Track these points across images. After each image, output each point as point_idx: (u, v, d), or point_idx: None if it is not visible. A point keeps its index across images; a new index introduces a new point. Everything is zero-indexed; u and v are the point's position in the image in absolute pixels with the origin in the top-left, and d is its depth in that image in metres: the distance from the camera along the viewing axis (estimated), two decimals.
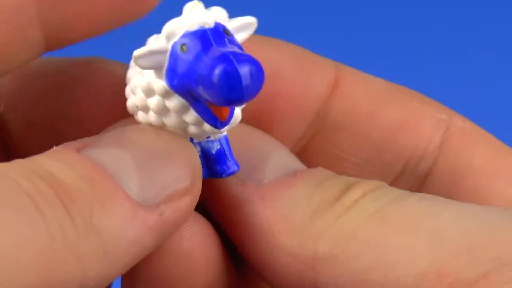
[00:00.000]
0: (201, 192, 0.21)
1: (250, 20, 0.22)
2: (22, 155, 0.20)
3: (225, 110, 0.21)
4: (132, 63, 0.22)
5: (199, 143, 0.23)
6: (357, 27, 0.72)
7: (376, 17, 0.74)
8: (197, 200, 0.21)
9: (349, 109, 0.25)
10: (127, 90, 0.23)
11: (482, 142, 0.25)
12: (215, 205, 0.23)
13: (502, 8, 0.74)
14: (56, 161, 0.19)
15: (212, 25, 0.21)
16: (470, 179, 0.24)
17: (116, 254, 0.19)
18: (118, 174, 0.20)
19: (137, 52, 0.21)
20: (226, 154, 0.23)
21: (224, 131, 0.23)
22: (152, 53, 0.21)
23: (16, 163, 0.19)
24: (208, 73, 0.20)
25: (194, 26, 0.21)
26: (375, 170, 0.25)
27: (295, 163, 0.23)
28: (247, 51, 0.21)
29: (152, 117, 0.22)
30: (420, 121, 0.24)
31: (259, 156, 0.23)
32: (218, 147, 0.23)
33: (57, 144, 0.21)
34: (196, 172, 0.21)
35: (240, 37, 0.21)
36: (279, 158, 0.23)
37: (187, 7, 0.21)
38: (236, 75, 0.19)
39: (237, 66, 0.19)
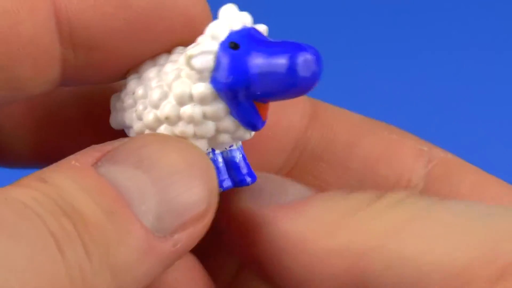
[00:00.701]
0: (215, 219, 0.21)
1: (264, 28, 0.22)
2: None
3: (267, 109, 0.21)
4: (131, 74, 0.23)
5: (221, 153, 0.22)
6: (353, 29, 0.72)
7: (372, 18, 0.74)
8: (209, 224, 0.21)
9: (328, 139, 0.25)
10: (128, 103, 0.22)
11: (466, 172, 0.25)
12: (238, 237, 0.22)
13: (502, 8, 0.74)
14: (78, 189, 0.19)
15: (250, 25, 0.21)
16: None
17: (129, 287, 0.19)
18: (137, 202, 0.19)
19: (191, 52, 0.21)
20: (247, 162, 0.23)
21: (249, 137, 0.22)
22: (205, 53, 0.21)
23: (43, 196, 0.19)
24: (286, 61, 0.20)
25: (238, 26, 0.21)
26: None
27: (312, 191, 0.23)
28: None
29: (181, 128, 0.21)
30: (401, 152, 0.24)
31: (277, 187, 0.23)
32: (240, 155, 0.23)
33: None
34: (212, 195, 0.21)
35: None
36: (298, 186, 0.23)
37: (225, 9, 0.21)
38: (315, 60, 0.20)
39: (313, 52, 0.20)
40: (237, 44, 0.21)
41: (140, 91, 0.22)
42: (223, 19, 0.21)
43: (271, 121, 0.24)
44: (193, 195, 0.20)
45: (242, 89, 0.21)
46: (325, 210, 0.21)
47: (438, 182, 0.25)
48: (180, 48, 0.23)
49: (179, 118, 0.21)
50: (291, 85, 0.20)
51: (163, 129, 0.22)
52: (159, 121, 0.22)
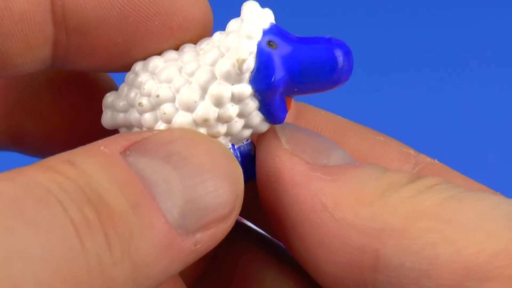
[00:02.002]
0: (259, 174, 0.22)
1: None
2: None
3: (290, 101, 0.22)
4: (143, 76, 0.22)
5: (239, 148, 0.23)
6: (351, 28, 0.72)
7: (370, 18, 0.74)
8: (232, 226, 0.21)
9: None
10: (147, 105, 0.22)
11: (452, 175, 0.25)
12: (272, 183, 0.22)
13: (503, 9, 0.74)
14: (106, 177, 0.19)
15: (274, 21, 0.22)
16: None
17: (145, 282, 0.19)
18: (163, 196, 0.19)
19: (242, 55, 0.21)
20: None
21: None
22: (252, 53, 0.21)
23: (68, 183, 0.18)
24: (328, 56, 0.21)
25: (267, 24, 0.21)
26: None
27: (354, 159, 0.23)
28: None
29: (216, 128, 0.21)
30: (387, 152, 0.24)
31: (322, 146, 0.22)
32: (254, 148, 0.23)
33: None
34: (238, 198, 0.21)
35: None
36: (342, 152, 0.23)
37: (249, 7, 0.21)
38: (350, 54, 0.21)
39: (347, 46, 0.21)
40: (274, 43, 0.21)
41: (160, 92, 0.21)
42: (252, 17, 0.21)
43: None
44: (220, 196, 0.20)
45: (283, 87, 0.21)
46: (359, 182, 0.21)
47: None
48: (190, 45, 0.22)
49: (215, 120, 0.21)
50: (331, 78, 0.21)
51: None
52: (194, 124, 0.21)
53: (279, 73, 0.21)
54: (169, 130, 0.21)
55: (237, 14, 0.22)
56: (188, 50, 0.22)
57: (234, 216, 0.21)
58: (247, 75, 0.21)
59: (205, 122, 0.21)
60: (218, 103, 0.21)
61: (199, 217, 0.20)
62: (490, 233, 0.19)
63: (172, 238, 0.19)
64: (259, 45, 0.21)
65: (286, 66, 0.21)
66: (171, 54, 0.22)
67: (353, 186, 0.21)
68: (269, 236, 0.26)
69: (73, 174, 0.18)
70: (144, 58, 0.22)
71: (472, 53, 0.72)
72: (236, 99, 0.21)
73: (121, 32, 0.22)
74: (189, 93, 0.21)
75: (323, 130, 0.25)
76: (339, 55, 0.21)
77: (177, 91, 0.21)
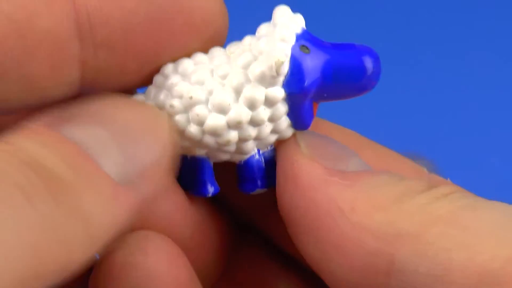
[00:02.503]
0: (278, 175, 0.22)
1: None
2: None
3: (316, 107, 0.22)
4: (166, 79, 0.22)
5: (263, 153, 0.23)
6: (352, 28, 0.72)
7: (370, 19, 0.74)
8: (170, 173, 0.21)
9: None
10: (179, 107, 0.22)
11: (467, 193, 0.25)
12: (290, 185, 0.22)
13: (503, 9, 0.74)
14: (41, 147, 0.19)
15: (304, 27, 0.22)
16: None
17: (99, 236, 0.19)
18: (99, 155, 0.20)
19: (280, 58, 0.21)
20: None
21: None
22: (287, 56, 0.21)
23: (6, 155, 0.19)
24: (360, 62, 0.21)
25: (299, 29, 0.21)
26: None
27: (369, 167, 0.23)
28: None
29: (247, 132, 0.22)
30: (401, 169, 0.24)
31: (341, 153, 0.23)
32: (276, 155, 0.23)
33: None
34: (169, 145, 0.21)
35: None
36: (358, 160, 0.23)
37: (281, 12, 0.22)
38: (379, 62, 0.22)
39: (376, 53, 0.22)
40: (307, 48, 0.21)
41: (193, 94, 0.22)
42: (285, 22, 0.21)
43: None
44: (151, 145, 0.21)
45: (315, 91, 0.21)
46: (376, 188, 0.21)
47: None
48: (219, 49, 0.22)
49: (248, 122, 0.21)
50: (361, 84, 0.22)
51: (228, 133, 0.22)
52: (227, 126, 0.21)
53: (311, 78, 0.21)
54: (94, 97, 0.21)
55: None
56: (219, 53, 0.22)
57: (169, 162, 0.21)
58: (281, 79, 0.21)
59: (238, 124, 0.21)
60: (252, 105, 0.21)
61: (137, 168, 0.20)
62: (504, 240, 0.19)
63: (116, 190, 0.20)
64: (292, 49, 0.21)
65: (321, 72, 0.21)
66: (201, 57, 0.22)
67: (370, 192, 0.21)
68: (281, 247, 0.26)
69: (8, 148, 0.19)
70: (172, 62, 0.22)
71: (475, 54, 0.72)
72: (269, 102, 0.21)
73: (148, 38, 0.22)
74: (223, 95, 0.21)
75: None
76: (368, 61, 0.21)
77: (210, 93, 0.21)
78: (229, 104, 0.21)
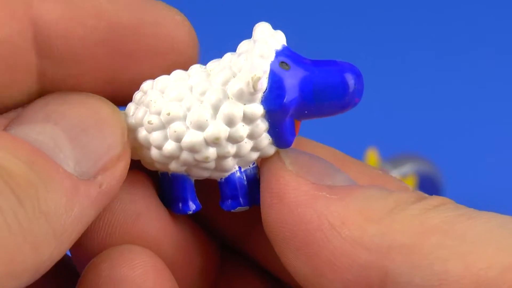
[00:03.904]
0: (262, 195, 0.22)
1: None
2: None
3: (299, 125, 0.22)
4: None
5: (245, 171, 0.22)
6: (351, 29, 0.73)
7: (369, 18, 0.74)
8: (129, 164, 0.21)
9: None
10: (157, 123, 0.22)
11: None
12: (277, 204, 0.22)
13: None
14: None
15: (285, 43, 0.22)
16: None
17: (64, 232, 0.19)
18: (54, 151, 0.20)
19: (259, 73, 0.21)
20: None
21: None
22: (265, 73, 0.21)
23: None
24: (341, 79, 0.21)
25: (279, 46, 0.21)
26: None
27: (356, 183, 0.23)
28: None
29: (226, 148, 0.21)
30: (388, 184, 0.24)
31: (327, 169, 0.22)
32: (259, 173, 0.23)
33: None
34: (124, 136, 0.21)
35: None
36: (344, 176, 0.23)
37: (261, 28, 0.21)
38: (361, 78, 0.21)
39: (358, 71, 0.21)
40: (287, 64, 0.21)
41: (171, 110, 0.22)
42: (265, 38, 0.21)
43: None
44: (106, 138, 0.21)
45: (295, 109, 0.21)
46: (366, 200, 0.21)
47: None
48: (199, 66, 0.22)
49: (226, 139, 0.21)
50: (342, 101, 0.21)
51: (206, 149, 0.21)
52: (205, 143, 0.21)
53: (291, 95, 0.21)
54: (42, 97, 0.21)
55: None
56: (198, 70, 0.22)
57: (128, 153, 0.21)
58: (259, 95, 0.21)
59: (216, 140, 0.21)
60: (230, 122, 0.21)
61: (93, 162, 0.20)
62: (500, 249, 0.19)
63: (75, 185, 0.20)
64: (272, 66, 0.21)
65: (299, 88, 0.21)
66: (180, 74, 0.22)
67: (360, 204, 0.21)
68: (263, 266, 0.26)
69: None
70: (135, 84, 0.22)
71: (476, 53, 0.72)
72: (248, 119, 0.21)
73: (107, 57, 0.22)
74: (201, 112, 0.21)
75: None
76: (350, 78, 0.21)
77: (188, 109, 0.21)
78: (207, 121, 0.21)
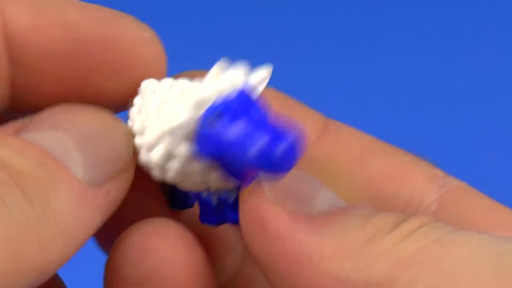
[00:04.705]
0: (241, 222, 0.22)
1: (266, 74, 0.21)
2: None
3: (252, 175, 0.21)
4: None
5: (217, 191, 0.23)
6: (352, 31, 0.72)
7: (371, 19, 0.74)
8: (133, 175, 0.22)
9: (336, 155, 0.25)
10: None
11: (479, 201, 0.24)
12: (256, 234, 0.22)
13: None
14: (7, 150, 0.20)
15: (237, 92, 0.21)
16: (473, 229, 0.24)
17: (72, 235, 0.20)
18: (63, 157, 0.20)
19: (176, 123, 0.21)
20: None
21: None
22: (183, 126, 0.21)
23: None
24: (246, 150, 0.20)
25: (228, 89, 0.21)
26: None
27: (340, 201, 0.22)
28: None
29: (172, 175, 0.22)
30: (413, 173, 0.24)
31: (305, 191, 0.22)
32: (235, 195, 0.23)
33: None
34: (131, 148, 0.22)
35: (258, 91, 0.21)
36: (327, 194, 0.22)
37: (213, 72, 0.21)
38: (288, 151, 0.20)
39: (272, 144, 0.20)
40: (221, 114, 0.20)
41: (135, 126, 0.22)
42: (212, 85, 0.21)
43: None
44: (113, 148, 0.21)
45: (218, 161, 0.21)
46: (344, 232, 0.21)
47: (449, 207, 0.24)
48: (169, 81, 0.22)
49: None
50: (262, 169, 0.20)
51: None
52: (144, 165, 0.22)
53: (214, 148, 0.20)
54: (51, 107, 0.22)
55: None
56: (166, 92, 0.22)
57: (133, 165, 0.22)
58: (190, 137, 0.21)
59: (157, 166, 0.22)
60: (166, 157, 0.21)
61: (101, 170, 0.21)
62: (476, 279, 0.19)
63: (84, 190, 0.20)
64: (205, 114, 0.20)
65: (222, 144, 0.20)
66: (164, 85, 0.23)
67: (338, 237, 0.20)
68: None
69: None
70: (99, 97, 0.23)
71: (472, 53, 0.72)
72: (179, 159, 0.21)
73: (73, 69, 0.22)
74: (151, 136, 0.21)
75: (348, 148, 0.25)
76: (273, 151, 0.20)
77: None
78: (153, 145, 0.21)
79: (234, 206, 0.23)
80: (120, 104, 0.23)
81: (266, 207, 0.21)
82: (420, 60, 0.71)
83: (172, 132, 0.21)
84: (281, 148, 0.20)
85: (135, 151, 0.22)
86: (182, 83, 0.22)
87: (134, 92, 0.23)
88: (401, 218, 0.21)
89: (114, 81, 0.23)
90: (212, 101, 0.20)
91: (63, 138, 0.21)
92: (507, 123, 0.68)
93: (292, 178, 0.22)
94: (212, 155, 0.21)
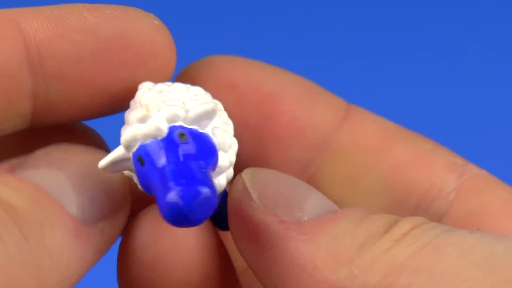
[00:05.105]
0: (233, 232, 0.22)
1: (208, 109, 0.20)
2: None
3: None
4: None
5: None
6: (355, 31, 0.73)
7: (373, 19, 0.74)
8: (128, 213, 0.22)
9: (358, 141, 0.25)
10: None
11: (498, 189, 0.24)
12: (248, 244, 0.22)
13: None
14: (4, 187, 0.20)
15: (165, 133, 0.20)
16: (489, 221, 0.24)
17: (67, 271, 0.20)
18: (58, 194, 0.20)
19: (101, 163, 0.20)
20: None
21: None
22: (115, 162, 0.20)
23: None
24: (157, 199, 0.19)
25: (147, 139, 0.20)
26: (384, 205, 0.25)
27: (332, 204, 0.22)
28: (251, 75, 0.22)
29: None
30: (434, 161, 0.24)
31: (295, 196, 0.22)
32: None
33: None
34: (126, 187, 0.22)
35: (204, 124, 0.21)
36: (317, 198, 0.22)
37: (135, 117, 0.20)
38: (179, 208, 0.19)
39: (179, 198, 0.18)
40: (141, 160, 0.20)
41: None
42: (135, 129, 0.20)
43: (300, 116, 0.24)
44: (108, 187, 0.21)
45: None
46: (335, 239, 0.21)
47: (469, 196, 0.24)
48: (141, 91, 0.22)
49: None
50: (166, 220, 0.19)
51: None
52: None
53: (143, 187, 0.20)
54: (46, 147, 0.22)
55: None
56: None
57: (128, 204, 0.22)
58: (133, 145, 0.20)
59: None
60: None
61: (96, 209, 0.21)
62: (469, 283, 0.19)
63: (78, 227, 0.20)
64: (133, 156, 0.20)
65: (146, 186, 0.20)
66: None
67: (329, 245, 0.20)
68: None
69: None
70: (123, 93, 0.23)
71: (472, 52, 0.72)
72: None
73: (97, 69, 0.22)
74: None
75: (369, 135, 0.25)
76: (162, 203, 0.19)
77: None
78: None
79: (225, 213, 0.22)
80: None
81: (257, 216, 0.21)
82: (420, 60, 0.72)
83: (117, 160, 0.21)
84: (181, 203, 0.18)
85: (131, 189, 0.22)
86: (175, 87, 0.22)
87: (154, 81, 0.23)
88: (392, 220, 0.21)
89: (135, 74, 0.23)
90: (138, 144, 0.20)
91: (58, 176, 0.21)
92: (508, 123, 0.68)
93: (280, 183, 0.22)
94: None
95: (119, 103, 0.23)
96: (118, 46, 0.22)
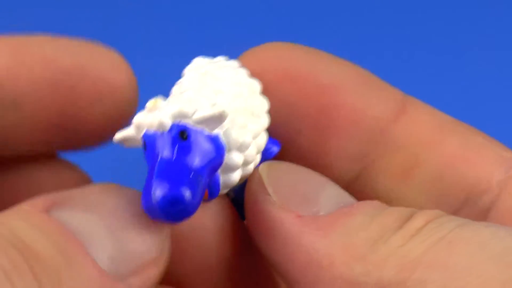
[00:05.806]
0: (249, 226, 0.22)
1: (215, 114, 0.21)
2: None
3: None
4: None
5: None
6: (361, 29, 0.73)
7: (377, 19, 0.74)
8: (163, 270, 0.21)
9: (413, 134, 0.25)
10: None
11: None
12: (264, 239, 0.22)
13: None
14: (30, 228, 0.19)
15: (167, 128, 0.20)
16: None
17: None
18: (89, 242, 0.20)
19: (115, 137, 0.21)
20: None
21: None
22: (127, 139, 0.21)
23: None
24: (143, 189, 0.20)
25: (150, 130, 0.20)
26: (434, 198, 0.25)
27: (348, 197, 0.23)
28: (309, 64, 0.22)
29: None
30: (484, 155, 0.24)
31: (311, 190, 0.22)
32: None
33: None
34: (165, 242, 0.21)
35: (212, 126, 0.21)
36: (333, 191, 0.22)
37: (147, 104, 0.21)
38: (154, 208, 0.19)
39: (155, 199, 0.19)
40: (145, 147, 0.21)
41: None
42: (143, 117, 0.21)
43: (358, 108, 0.24)
44: (145, 240, 0.20)
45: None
46: (350, 235, 0.21)
47: (510, 192, 0.24)
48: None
49: None
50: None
51: None
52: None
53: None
54: (90, 185, 0.21)
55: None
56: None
57: (164, 261, 0.21)
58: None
59: None
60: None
61: (128, 263, 0.20)
62: (483, 279, 0.19)
63: (104, 281, 0.19)
64: (142, 138, 0.21)
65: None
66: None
67: (345, 240, 0.21)
68: None
69: None
70: (80, 127, 0.24)
71: (472, 52, 0.72)
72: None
73: (54, 101, 0.23)
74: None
75: (424, 128, 0.25)
76: (143, 201, 0.19)
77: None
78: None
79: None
80: (99, 133, 0.24)
81: (272, 211, 0.21)
82: (421, 60, 0.72)
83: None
84: (156, 204, 0.19)
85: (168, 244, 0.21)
86: (222, 72, 0.23)
87: (112, 119, 0.24)
88: (407, 214, 0.21)
89: (91, 111, 0.23)
90: (145, 130, 0.20)
91: (95, 222, 0.20)
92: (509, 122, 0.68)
93: (296, 176, 0.22)
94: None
95: (77, 137, 0.24)
96: (75, 79, 0.23)
